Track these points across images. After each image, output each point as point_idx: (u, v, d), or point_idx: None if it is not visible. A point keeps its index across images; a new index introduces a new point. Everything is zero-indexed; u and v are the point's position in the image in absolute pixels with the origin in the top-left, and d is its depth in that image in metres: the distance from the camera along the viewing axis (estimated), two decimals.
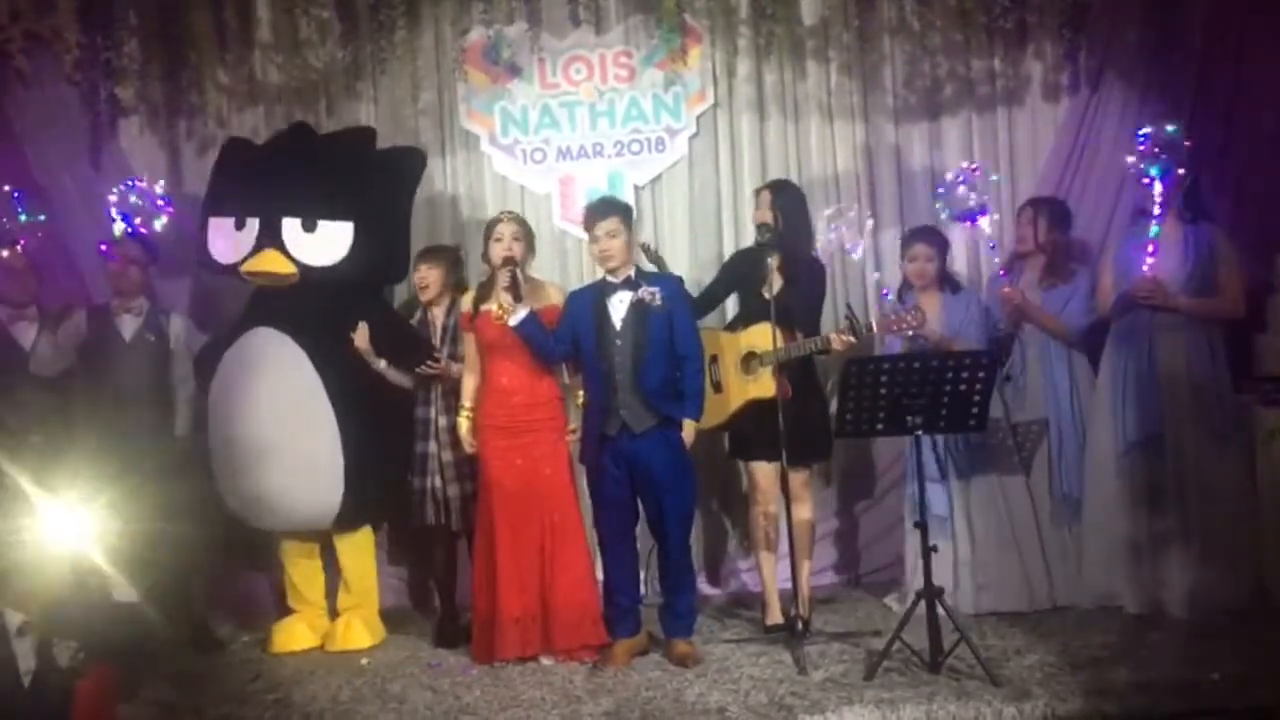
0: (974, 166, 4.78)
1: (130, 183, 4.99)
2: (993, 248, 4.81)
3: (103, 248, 4.89)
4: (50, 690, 2.97)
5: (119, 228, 4.87)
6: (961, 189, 4.64)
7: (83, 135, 5.39)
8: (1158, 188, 4.31)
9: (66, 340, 4.76)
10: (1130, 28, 5.03)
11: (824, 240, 4.74)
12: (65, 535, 3.04)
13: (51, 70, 5.27)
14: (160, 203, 4.97)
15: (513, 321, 4.20)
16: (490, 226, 4.47)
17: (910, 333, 4.38)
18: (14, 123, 5.33)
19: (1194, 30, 4.97)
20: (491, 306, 4.30)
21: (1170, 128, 4.34)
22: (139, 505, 3.42)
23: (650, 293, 4.20)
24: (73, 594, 3.00)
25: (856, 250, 4.86)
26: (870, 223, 4.83)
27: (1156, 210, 4.33)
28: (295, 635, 4.68)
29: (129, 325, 4.80)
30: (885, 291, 4.92)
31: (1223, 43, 4.96)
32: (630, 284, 4.25)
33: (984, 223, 4.68)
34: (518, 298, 4.20)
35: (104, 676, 3.08)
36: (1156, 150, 4.30)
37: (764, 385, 4.38)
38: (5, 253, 4.75)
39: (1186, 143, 4.35)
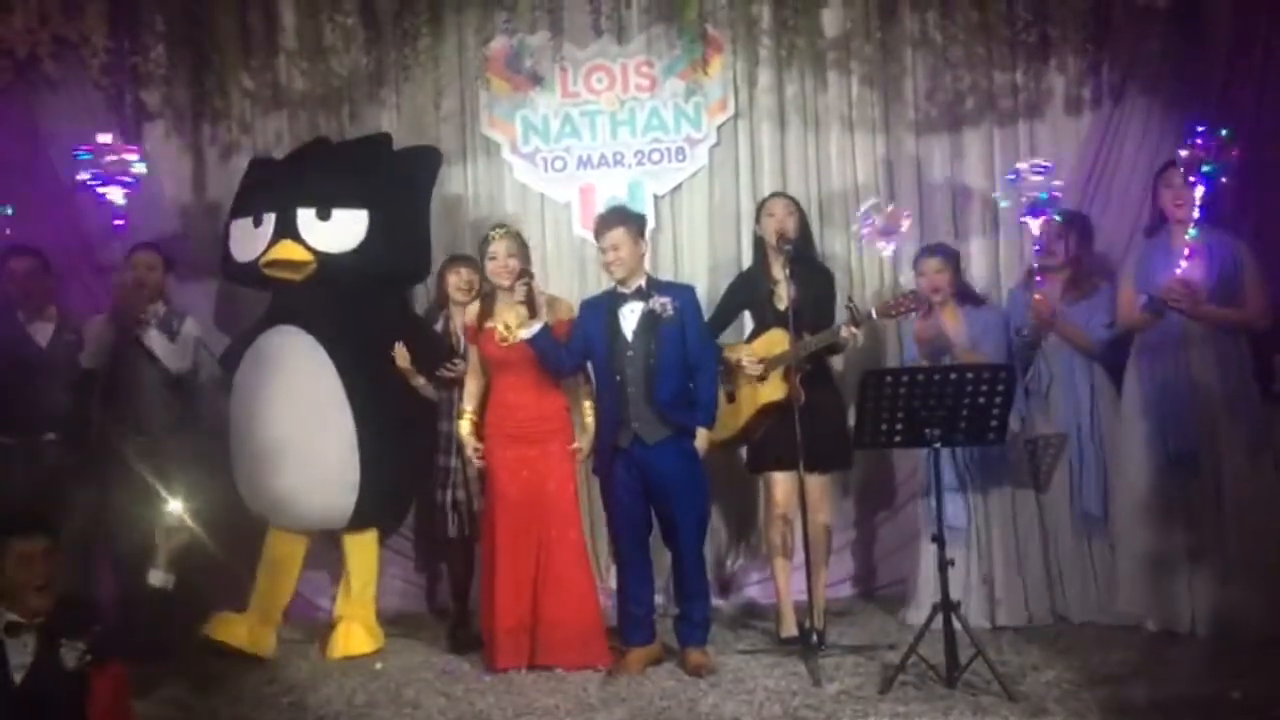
0: (1048, 163, 4.59)
1: (84, 149, 4.63)
2: (1039, 249, 4.60)
3: (117, 222, 4.64)
4: (58, 688, 2.97)
5: (116, 193, 4.58)
6: (1038, 178, 4.45)
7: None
8: (1200, 191, 4.16)
9: (94, 346, 4.79)
10: (1153, 41, 5.00)
11: (858, 233, 4.68)
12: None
13: (78, 74, 5.32)
14: (124, 144, 4.71)
15: (526, 335, 4.18)
16: (483, 244, 4.48)
17: (913, 313, 4.36)
18: (40, 125, 5.38)
19: (1218, 43, 4.94)
20: (496, 325, 4.31)
21: (1224, 131, 4.14)
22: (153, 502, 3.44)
23: (661, 304, 4.19)
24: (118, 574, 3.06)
25: (890, 246, 4.66)
26: (907, 221, 4.62)
27: (1196, 213, 4.21)
28: (234, 629, 4.56)
29: (145, 330, 4.82)
30: None
31: (1247, 56, 4.93)
32: (641, 294, 4.23)
33: (1034, 224, 4.49)
34: (534, 312, 4.19)
35: (119, 673, 3.09)
36: (1210, 150, 4.11)
37: (775, 388, 4.39)
38: (11, 261, 4.77)
39: (1234, 151, 4.16)
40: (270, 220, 4.66)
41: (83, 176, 4.62)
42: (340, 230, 4.65)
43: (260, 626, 4.67)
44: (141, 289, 4.76)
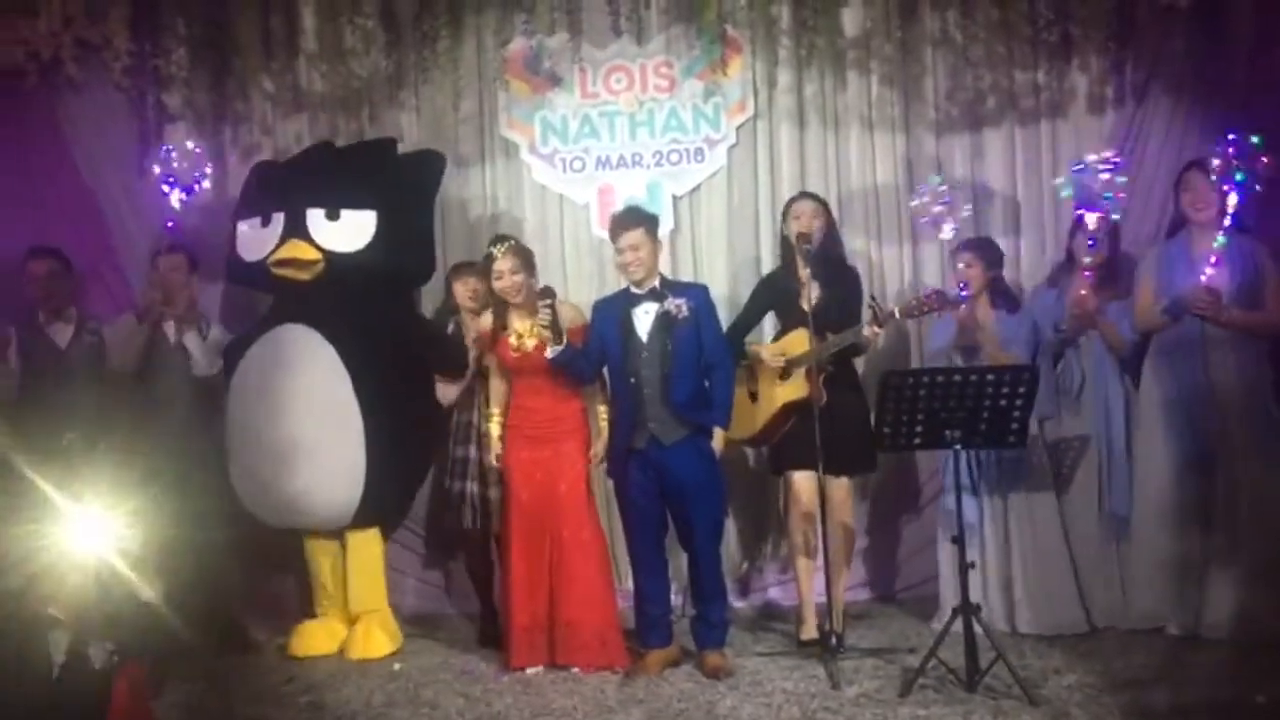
0: (1119, 159, 4.51)
1: (167, 149, 5.06)
2: (1092, 245, 4.50)
3: (169, 224, 4.97)
4: (84, 688, 2.99)
5: (176, 197, 4.94)
6: (1105, 175, 4.38)
7: (130, 141, 5.50)
8: (1232, 199, 4.14)
9: (124, 347, 4.84)
10: (1176, 40, 4.96)
11: (920, 215, 4.62)
12: (92, 538, 3.07)
13: (101, 76, 5.36)
14: (204, 157, 5.09)
15: (550, 355, 4.18)
16: (486, 260, 4.46)
17: (931, 311, 4.31)
18: (63, 127, 5.43)
19: (1240, 42, 4.89)
20: (509, 336, 4.34)
21: (1255, 139, 4.11)
22: (168, 506, 3.44)
23: (676, 305, 4.17)
24: (101, 595, 3.03)
25: (949, 228, 4.52)
26: (969, 207, 4.58)
27: (1227, 221, 4.19)
28: (317, 639, 4.69)
29: (173, 331, 4.87)
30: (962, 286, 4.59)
31: (1270, 54, 4.88)
32: (655, 295, 4.21)
33: (1090, 219, 4.46)
34: (558, 333, 4.16)
35: (137, 674, 3.11)
36: (1242, 157, 4.10)
37: (797, 388, 4.38)
38: (31, 262, 4.85)
39: (1264, 159, 4.12)
40: (279, 220, 4.68)
41: (156, 170, 4.98)
42: (349, 230, 4.67)
43: (337, 623, 4.75)
44: (184, 290, 4.87)
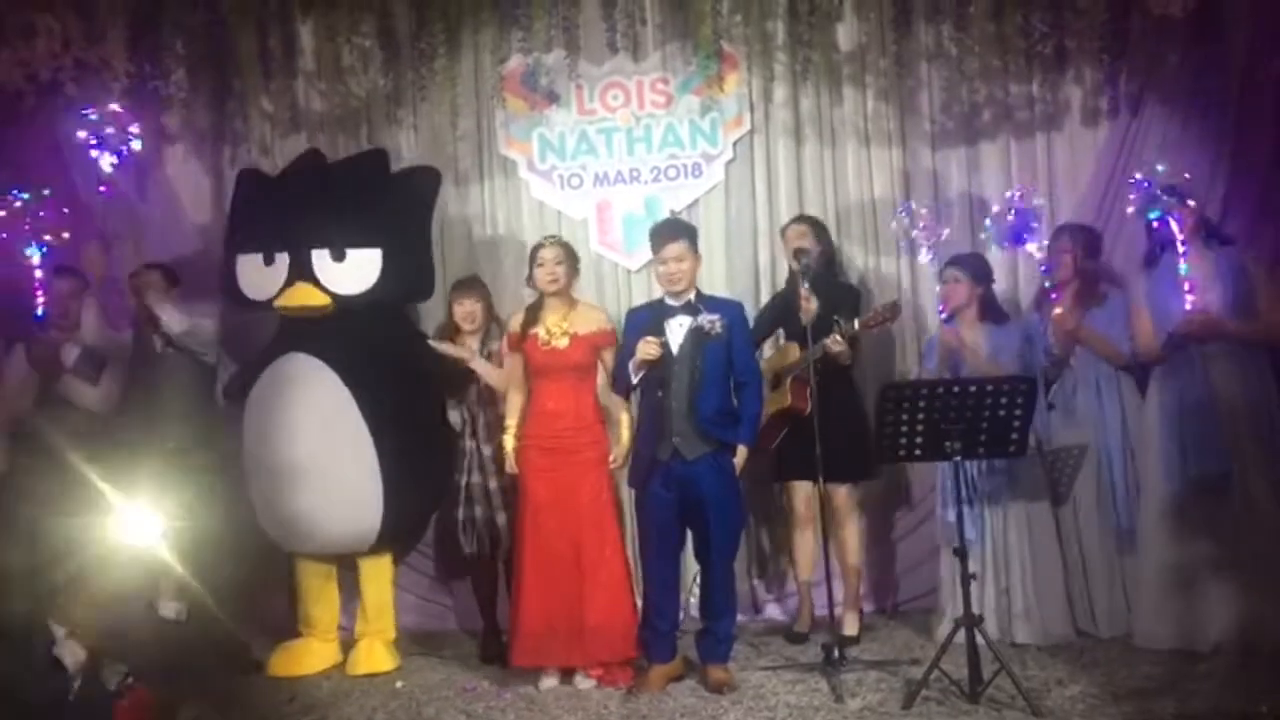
0: (1018, 191, 4.75)
1: (92, 110, 4.90)
2: (1044, 270, 4.71)
3: (101, 189, 4.93)
4: (92, 710, 2.99)
5: (106, 160, 4.85)
6: (1011, 217, 4.63)
7: (129, 162, 5.49)
8: (1174, 226, 4.28)
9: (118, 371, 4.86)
10: (1171, 52, 4.96)
11: (900, 238, 4.81)
12: (136, 537, 3.06)
13: (100, 98, 5.31)
14: (130, 116, 4.96)
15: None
16: (534, 251, 4.50)
17: (885, 323, 4.49)
18: (63, 148, 5.43)
19: (1236, 53, 4.90)
20: (539, 331, 4.36)
21: (1160, 167, 4.39)
22: (178, 523, 3.45)
23: (710, 320, 4.15)
24: (123, 605, 3.03)
25: (932, 250, 4.66)
26: (945, 231, 4.71)
27: (1180, 249, 4.29)
28: (300, 659, 4.69)
29: (158, 340, 4.88)
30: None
31: (1266, 66, 4.89)
32: (690, 308, 4.20)
33: (1031, 247, 4.66)
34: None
35: (143, 698, 3.10)
36: (1157, 193, 4.30)
37: (780, 398, 4.56)
38: (55, 281, 4.86)
39: (1186, 175, 4.36)
40: (283, 260, 4.60)
41: (82, 134, 4.85)
42: (355, 270, 4.60)
43: (320, 644, 4.75)
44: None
